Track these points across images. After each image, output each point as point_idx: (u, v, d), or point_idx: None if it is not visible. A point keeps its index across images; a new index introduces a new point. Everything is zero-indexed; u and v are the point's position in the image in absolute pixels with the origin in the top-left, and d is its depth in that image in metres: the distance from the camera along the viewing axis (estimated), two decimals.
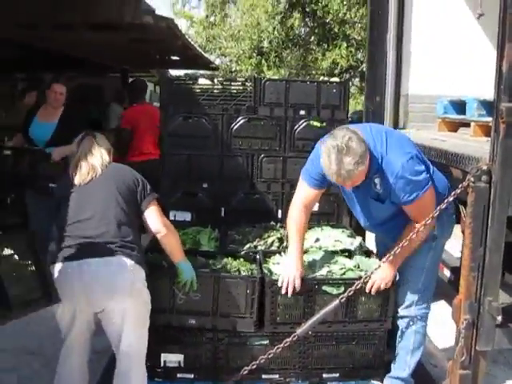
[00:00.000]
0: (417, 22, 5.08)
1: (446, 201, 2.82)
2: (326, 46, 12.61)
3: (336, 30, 12.22)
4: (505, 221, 2.83)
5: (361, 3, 11.29)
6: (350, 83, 13.72)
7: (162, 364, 3.16)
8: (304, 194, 3.22)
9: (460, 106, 4.46)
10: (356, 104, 13.54)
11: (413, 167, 2.89)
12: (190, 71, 18.51)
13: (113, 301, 2.76)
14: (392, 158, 2.89)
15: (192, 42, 12.62)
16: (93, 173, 2.92)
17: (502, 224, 2.82)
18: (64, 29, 7.90)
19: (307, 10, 12.35)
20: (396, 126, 5.07)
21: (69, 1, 7.12)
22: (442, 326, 3.82)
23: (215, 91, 4.21)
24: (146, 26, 8.33)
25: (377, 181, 2.93)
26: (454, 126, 4.67)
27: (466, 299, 2.92)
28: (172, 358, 3.15)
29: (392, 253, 2.87)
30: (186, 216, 4.25)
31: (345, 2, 11.42)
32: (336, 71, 12.37)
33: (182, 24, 16.37)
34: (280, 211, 4.27)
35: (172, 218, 4.12)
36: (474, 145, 3.57)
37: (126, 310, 2.77)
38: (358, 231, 4.09)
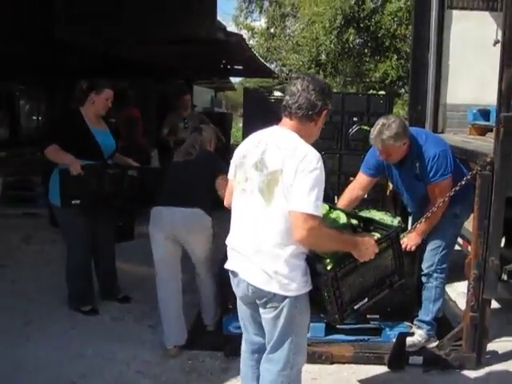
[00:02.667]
0: (453, 43, 6.03)
1: (458, 184, 3.84)
2: (378, 58, 13.51)
3: (387, 43, 13.13)
4: (504, 200, 3.80)
5: (411, 19, 12.14)
6: (403, 90, 14.53)
7: None
8: (358, 179, 4.30)
9: (486, 114, 5.39)
10: None
11: (442, 159, 3.93)
12: (252, 79, 19.52)
13: (190, 234, 4.08)
14: (429, 148, 3.97)
15: (254, 51, 13.71)
16: (188, 156, 4.29)
17: (502, 202, 3.79)
18: (148, 43, 9.17)
19: (361, 25, 13.31)
20: (435, 130, 6.01)
21: (156, 20, 8.36)
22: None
23: None
24: (218, 41, 9.55)
25: (417, 164, 3.98)
26: (483, 131, 5.59)
27: (475, 258, 3.90)
28: None
29: (417, 223, 3.95)
30: None
31: (396, 19, 12.27)
32: (387, 81, 13.22)
33: (243, 35, 17.54)
34: (336, 197, 5.29)
35: None
36: (489, 145, 4.51)
37: (197, 239, 4.13)
38: (402, 216, 5.08)
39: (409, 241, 4.07)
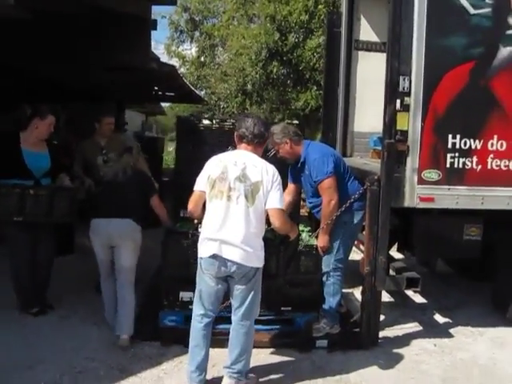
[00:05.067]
0: (359, 78, 6.95)
1: (353, 197, 4.71)
2: (299, 89, 14.56)
3: (308, 75, 14.20)
4: (389, 210, 4.70)
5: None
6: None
7: (179, 299, 4.80)
8: (287, 188, 5.13)
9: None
10: None
11: (319, 163, 4.72)
12: (182, 105, 20.19)
13: (122, 240, 4.80)
14: (311, 153, 4.82)
15: (185, 80, 14.45)
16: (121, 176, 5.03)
17: (387, 211, 4.70)
18: (83, 68, 9.61)
19: (284, 58, 14.35)
20: (345, 154, 6.84)
21: (90, 46, 8.83)
22: None
23: (213, 128, 5.97)
24: (151, 70, 10.19)
25: (306, 166, 4.83)
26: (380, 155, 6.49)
27: (367, 258, 4.78)
28: (186, 295, 4.74)
29: (320, 228, 4.78)
30: None
31: (315, 54, 13.33)
32: (307, 110, 14.27)
33: (174, 63, 18.31)
34: None
35: None
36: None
37: (127, 245, 4.83)
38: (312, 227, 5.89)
39: (320, 242, 4.82)
